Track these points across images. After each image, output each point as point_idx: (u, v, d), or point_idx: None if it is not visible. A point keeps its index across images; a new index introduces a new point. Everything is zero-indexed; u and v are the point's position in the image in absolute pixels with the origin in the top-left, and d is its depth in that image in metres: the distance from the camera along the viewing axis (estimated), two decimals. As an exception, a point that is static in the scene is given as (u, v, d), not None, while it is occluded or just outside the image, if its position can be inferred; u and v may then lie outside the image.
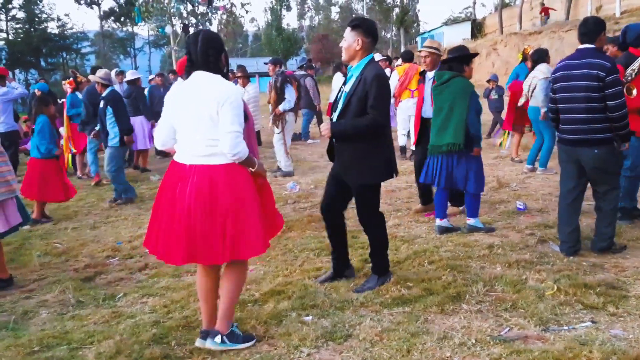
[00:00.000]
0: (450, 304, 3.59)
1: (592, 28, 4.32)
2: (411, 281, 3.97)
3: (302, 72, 12.48)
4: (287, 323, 3.43)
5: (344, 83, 3.87)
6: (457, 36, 35.99)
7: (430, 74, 5.74)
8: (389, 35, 56.65)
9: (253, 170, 3.11)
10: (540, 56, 7.80)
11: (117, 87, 10.90)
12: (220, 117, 2.93)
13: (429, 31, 44.81)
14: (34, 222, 6.46)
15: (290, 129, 8.95)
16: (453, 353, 2.98)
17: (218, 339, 3.15)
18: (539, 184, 7.26)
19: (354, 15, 52.81)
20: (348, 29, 3.73)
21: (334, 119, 3.81)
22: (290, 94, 8.67)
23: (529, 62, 8.56)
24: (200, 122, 2.97)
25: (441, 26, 43.24)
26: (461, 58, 5.18)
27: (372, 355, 3.00)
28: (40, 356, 3.19)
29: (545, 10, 27.87)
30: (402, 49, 41.73)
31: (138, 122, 9.79)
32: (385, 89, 3.71)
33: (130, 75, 10.24)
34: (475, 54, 5.53)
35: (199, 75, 3.05)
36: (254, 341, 3.23)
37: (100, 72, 7.52)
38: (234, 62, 17.18)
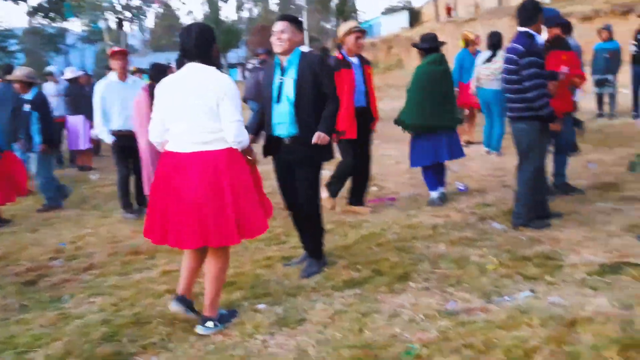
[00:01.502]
0: (398, 283, 3.71)
1: (529, 11, 4.56)
2: (360, 264, 4.07)
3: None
4: (241, 312, 3.45)
5: (282, 73, 3.93)
6: (395, 25, 36.57)
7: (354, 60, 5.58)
8: (328, 26, 56.85)
9: (250, 158, 3.32)
10: (499, 40, 8.00)
11: (52, 85, 10.54)
12: (221, 108, 3.10)
13: (367, 21, 45.28)
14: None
15: None
16: (403, 329, 3.09)
17: (210, 324, 3.25)
18: (479, 165, 7.52)
19: (292, 7, 52.78)
20: (286, 23, 3.87)
21: (280, 106, 3.89)
22: None
23: (471, 47, 8.83)
24: (200, 113, 3.10)
25: (379, 16, 43.76)
26: (437, 46, 5.60)
27: (325, 337, 3.07)
28: (-16, 363, 3.10)
29: (448, 10, 29.67)
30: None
31: (78, 120, 9.51)
32: (332, 75, 4.01)
33: (70, 73, 9.90)
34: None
35: (194, 67, 3.18)
36: (237, 315, 3.40)
37: (24, 70, 6.98)
38: (172, 57, 16.83)
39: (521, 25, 4.59)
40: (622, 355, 2.60)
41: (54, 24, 55.42)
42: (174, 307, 3.37)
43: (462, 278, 3.72)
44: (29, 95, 6.79)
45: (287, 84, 3.88)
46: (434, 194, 5.70)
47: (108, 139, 6.15)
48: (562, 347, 2.72)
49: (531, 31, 4.55)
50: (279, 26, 3.86)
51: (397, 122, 5.81)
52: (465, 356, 2.72)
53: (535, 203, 4.74)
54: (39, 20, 56.58)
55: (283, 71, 3.92)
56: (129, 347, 3.15)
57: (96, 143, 10.91)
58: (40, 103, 6.87)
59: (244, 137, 3.18)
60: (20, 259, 5.10)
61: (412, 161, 5.81)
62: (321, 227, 4.14)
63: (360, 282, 3.78)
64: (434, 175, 5.75)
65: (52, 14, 52.39)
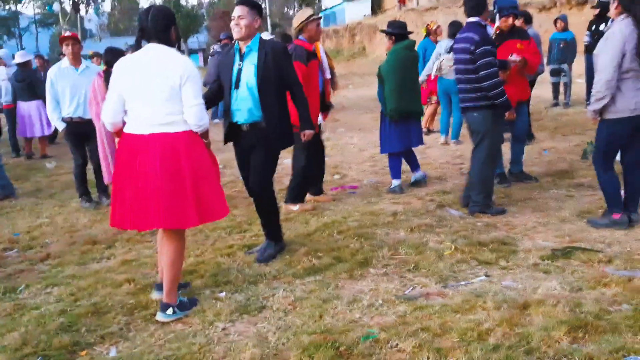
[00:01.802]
0: (358, 270, 3.77)
1: (474, 2, 4.64)
2: (321, 251, 4.11)
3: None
4: (201, 300, 3.45)
5: (241, 59, 3.91)
6: (358, 12, 36.58)
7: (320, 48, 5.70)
8: (291, 12, 56.48)
9: (206, 141, 3.35)
10: (458, 29, 8.08)
11: (2, 69, 10.16)
12: (183, 92, 3.10)
13: (330, 8, 45.16)
14: None
15: None
16: (362, 314, 3.15)
17: (170, 311, 3.24)
18: (438, 153, 7.65)
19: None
20: (245, 8, 3.83)
21: (239, 92, 3.89)
22: None
23: (432, 37, 8.91)
24: (161, 94, 3.09)
25: (342, 3, 43.67)
26: (407, 33, 5.74)
27: (285, 324, 3.10)
28: (-64, 357, 3.01)
29: (402, 0, 30.44)
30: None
31: (34, 106, 9.22)
32: (293, 64, 4.06)
33: (20, 57, 9.51)
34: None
35: (153, 48, 3.17)
36: (197, 303, 3.39)
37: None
38: (130, 41, 16.49)
39: (470, 15, 4.70)
40: (570, 335, 2.72)
41: (6, 7, 53.38)
42: (156, 296, 3.41)
43: (420, 263, 3.80)
44: None
45: (246, 70, 3.86)
46: (396, 182, 5.79)
47: (60, 126, 5.99)
48: (514, 329, 2.82)
49: (482, 21, 4.66)
50: (237, 11, 3.83)
51: (384, 107, 5.75)
52: (422, 339, 2.79)
53: (491, 189, 4.87)
54: (-10, 2, 54.45)
55: (242, 57, 3.90)
56: (87, 337, 3.12)
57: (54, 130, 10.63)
58: None
59: (205, 121, 3.20)
60: (-28, 249, 4.96)
61: (385, 147, 5.81)
62: (276, 209, 4.14)
63: (321, 269, 3.82)
64: (400, 162, 5.83)
65: (4, -4, 50.50)
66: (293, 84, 3.99)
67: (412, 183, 5.93)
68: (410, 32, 5.85)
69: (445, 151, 7.76)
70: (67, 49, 5.93)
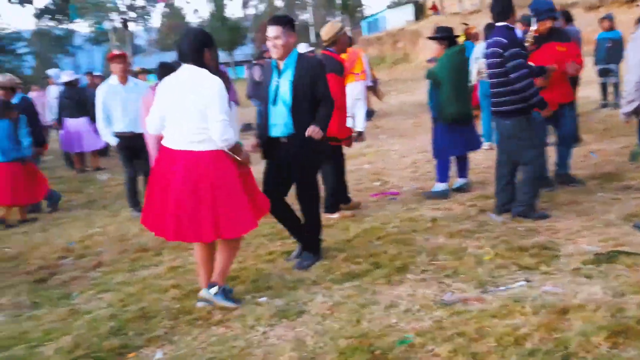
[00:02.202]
0: (396, 275, 3.80)
1: (505, 5, 4.64)
2: (360, 257, 4.16)
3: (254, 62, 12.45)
4: (242, 305, 3.56)
5: (278, 75, 4.02)
6: (400, 18, 36.46)
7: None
8: (332, 21, 56.72)
9: (239, 159, 3.47)
10: None
11: (55, 89, 10.66)
12: (209, 108, 3.27)
13: (372, 15, 45.20)
14: (22, 222, 6.58)
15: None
16: (399, 319, 3.18)
17: (214, 289, 3.52)
18: (482, 157, 7.57)
19: (297, 2, 52.63)
20: (279, 28, 3.90)
21: (276, 108, 3.99)
22: None
23: (473, 40, 8.86)
24: (190, 113, 3.30)
25: (384, 10, 43.65)
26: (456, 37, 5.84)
27: (323, 328, 3.16)
28: (-2, 357, 3.23)
29: (434, 8, 29.80)
30: (348, 34, 42.00)
31: (81, 123, 9.63)
32: (326, 78, 4.08)
33: (66, 76, 9.99)
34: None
35: (187, 69, 3.40)
36: (240, 304, 3.55)
37: (6, 77, 6.92)
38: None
39: (497, 20, 4.69)
40: (610, 340, 2.67)
41: (61, 26, 55.75)
42: (200, 304, 3.57)
43: (459, 269, 3.80)
44: (14, 100, 6.84)
45: (282, 87, 3.97)
46: (443, 186, 5.77)
47: (112, 141, 6.26)
48: (552, 334, 2.79)
49: (510, 25, 4.63)
50: (272, 32, 3.91)
51: (439, 112, 5.75)
52: (458, 344, 2.81)
53: (536, 194, 4.81)
54: (47, 22, 56.95)
55: (280, 73, 4.01)
56: (135, 340, 3.27)
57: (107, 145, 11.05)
58: (26, 107, 6.94)
59: (229, 136, 3.32)
60: (31, 258, 5.25)
61: (441, 152, 5.81)
62: (319, 224, 4.23)
63: (360, 274, 3.87)
64: (449, 165, 5.83)
65: (58, 16, 52.72)
66: (323, 97, 4.02)
67: (454, 188, 5.90)
68: (458, 36, 5.90)
69: (488, 155, 7.65)
70: (115, 67, 6.20)
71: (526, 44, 5.27)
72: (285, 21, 3.97)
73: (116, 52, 6.49)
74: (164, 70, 5.92)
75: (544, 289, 3.36)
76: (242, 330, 3.24)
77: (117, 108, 6.14)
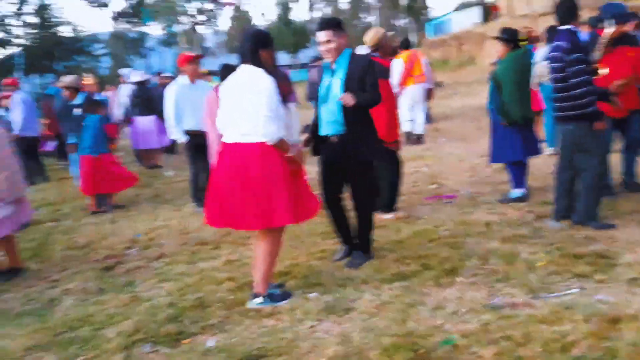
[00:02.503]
0: (445, 278, 3.81)
1: (569, 8, 4.53)
2: (410, 258, 4.20)
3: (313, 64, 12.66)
4: (293, 300, 3.67)
5: (331, 74, 4.11)
6: (467, 21, 35.77)
7: None
8: (398, 24, 56.45)
9: (289, 155, 3.57)
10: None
11: (127, 88, 11.20)
12: (257, 104, 3.44)
13: (438, 17, 44.60)
14: (93, 213, 6.99)
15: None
16: (445, 320, 3.20)
17: (258, 300, 3.64)
18: (543, 163, 7.38)
19: (362, 5, 52.61)
20: (329, 32, 3.99)
21: (328, 106, 4.08)
22: None
23: (537, 44, 8.65)
24: (245, 109, 3.49)
25: (450, 12, 42.97)
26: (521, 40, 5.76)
27: (369, 325, 3.23)
28: (65, 337, 3.48)
29: (495, 8, 29.00)
30: (414, 37, 41.61)
31: (149, 121, 10.06)
32: (377, 79, 4.13)
33: (139, 76, 10.49)
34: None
35: (244, 68, 3.60)
36: (290, 296, 3.70)
37: (69, 77, 7.41)
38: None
39: (562, 23, 4.57)
40: (662, 352, 2.61)
41: (135, 29, 58.18)
42: (250, 305, 3.68)
43: (510, 274, 3.76)
44: (77, 100, 7.25)
45: (334, 85, 4.06)
46: (520, 191, 5.67)
47: (182, 139, 6.53)
48: (601, 343, 2.75)
49: (573, 28, 4.51)
50: (324, 36, 4.00)
51: (501, 114, 5.67)
52: (503, 347, 2.81)
53: (597, 201, 4.68)
54: (122, 25, 59.57)
55: (332, 73, 4.10)
56: (190, 327, 3.45)
57: (173, 141, 11.49)
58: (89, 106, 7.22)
59: (271, 131, 3.43)
60: (99, 247, 5.58)
61: (500, 156, 5.77)
62: (372, 223, 4.30)
63: (409, 275, 3.91)
64: (523, 170, 5.76)
65: (133, 19, 55.05)
66: (371, 87, 4.05)
67: (511, 198, 5.75)
68: (525, 40, 5.80)
69: (550, 161, 7.46)
70: (189, 68, 6.48)
71: (598, 48, 5.15)
72: (334, 24, 4.05)
73: (191, 54, 6.76)
74: (226, 71, 6.16)
75: (597, 298, 3.30)
76: (291, 323, 3.35)
77: (187, 107, 6.41)
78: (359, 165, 4.13)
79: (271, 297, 3.65)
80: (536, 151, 5.78)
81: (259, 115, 3.43)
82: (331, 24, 4.05)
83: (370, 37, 5.40)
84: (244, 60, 3.59)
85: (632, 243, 4.16)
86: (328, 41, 4.00)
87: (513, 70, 5.54)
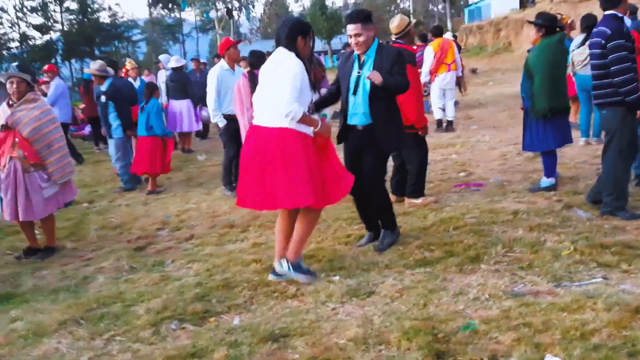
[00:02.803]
0: (469, 265, 3.82)
1: None
2: (434, 245, 4.22)
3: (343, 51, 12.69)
4: (317, 282, 3.74)
5: (360, 67, 4.12)
6: (505, 6, 35.02)
7: None
8: (435, 9, 55.61)
9: (316, 129, 3.64)
10: (595, 23, 7.64)
11: (164, 73, 11.43)
12: (281, 88, 3.52)
13: (476, 3, 43.73)
14: (150, 193, 7.25)
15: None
16: (466, 306, 3.22)
17: (285, 264, 3.78)
18: (576, 152, 7.27)
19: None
20: (358, 25, 4.00)
21: (356, 98, 4.12)
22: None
23: (567, 31, 8.44)
24: (273, 91, 3.59)
25: (488, -3, 42.06)
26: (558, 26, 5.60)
27: (391, 309, 3.27)
28: (97, 312, 3.63)
29: None
30: (449, 23, 40.95)
31: (184, 105, 10.22)
32: (405, 68, 4.16)
33: (175, 62, 10.67)
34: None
35: (278, 52, 3.70)
36: (314, 278, 3.78)
37: (95, 65, 7.50)
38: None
39: (606, 8, 4.47)
40: (684, 342, 2.58)
41: (172, 15, 58.87)
42: (271, 277, 3.85)
43: (534, 262, 3.75)
44: (103, 87, 7.37)
45: (364, 77, 4.07)
46: (551, 180, 5.59)
47: (222, 123, 6.62)
48: (621, 332, 2.73)
49: (619, 14, 4.40)
50: (352, 30, 4.02)
51: (530, 106, 5.56)
52: (522, 333, 2.81)
53: (624, 191, 4.60)
54: (159, 11, 60.31)
55: (361, 65, 4.12)
56: (217, 306, 3.55)
57: (205, 126, 11.66)
58: (113, 93, 7.36)
59: (291, 110, 3.47)
60: (132, 228, 5.77)
61: (534, 145, 5.66)
62: (388, 201, 4.37)
63: (432, 261, 3.93)
64: (555, 159, 5.68)
65: (170, 5, 55.69)
66: (400, 75, 4.07)
67: (542, 188, 5.67)
68: (562, 26, 5.66)
69: (584, 150, 7.35)
70: (232, 53, 6.57)
71: None
72: (363, 17, 4.06)
73: (231, 39, 6.83)
74: (255, 57, 6.24)
75: (621, 287, 3.27)
76: (314, 305, 3.43)
77: (227, 92, 6.51)
78: (376, 154, 4.17)
79: (296, 267, 3.78)
80: (568, 140, 5.67)
81: (282, 95, 3.50)
82: (360, 17, 4.05)
83: (395, 24, 5.39)
84: (279, 44, 3.68)
85: (662, 234, 4.09)
86: (357, 34, 4.01)
87: (545, 58, 5.40)
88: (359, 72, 4.12)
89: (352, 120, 4.20)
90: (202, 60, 14.56)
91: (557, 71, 5.45)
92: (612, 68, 4.35)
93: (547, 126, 5.48)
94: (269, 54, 4.09)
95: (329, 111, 7.57)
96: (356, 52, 4.14)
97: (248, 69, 6.34)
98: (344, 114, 4.24)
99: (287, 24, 3.70)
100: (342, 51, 12.55)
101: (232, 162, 6.72)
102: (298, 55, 3.60)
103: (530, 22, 5.73)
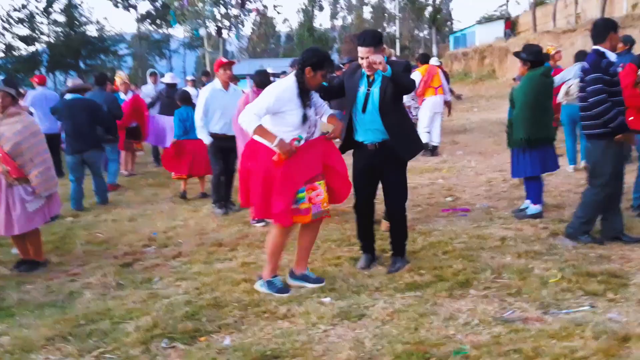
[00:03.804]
0: (458, 289, 3.86)
1: (599, 30, 4.60)
2: (424, 269, 4.25)
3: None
4: (307, 304, 3.75)
5: (369, 84, 4.17)
6: (490, 35, 35.75)
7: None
8: (421, 35, 56.48)
9: (272, 144, 3.79)
10: (583, 57, 7.85)
11: (150, 87, 11.47)
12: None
13: (461, 30, 44.59)
14: (203, 196, 7.69)
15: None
16: (457, 331, 3.25)
17: (259, 282, 4.08)
18: (560, 181, 7.41)
19: (385, 15, 52.73)
20: (370, 49, 4.02)
21: (366, 116, 4.17)
22: None
23: (552, 62, 8.66)
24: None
25: (473, 25, 42.94)
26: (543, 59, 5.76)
27: (382, 332, 3.29)
28: (85, 329, 3.58)
29: (507, 25, 30.78)
30: (434, 49, 41.60)
31: (168, 120, 10.21)
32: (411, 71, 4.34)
33: (170, 78, 10.76)
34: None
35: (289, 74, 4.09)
36: (288, 291, 3.99)
37: (70, 81, 7.73)
38: (266, 63, 17.54)
39: (594, 43, 4.65)
40: (671, 372, 2.64)
41: (159, 31, 58.94)
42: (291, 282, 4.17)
43: (523, 289, 3.80)
44: None
45: (374, 95, 4.12)
46: (536, 208, 5.69)
47: (207, 140, 6.62)
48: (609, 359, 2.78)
49: (601, 49, 4.57)
50: (364, 52, 4.04)
51: (514, 138, 5.69)
52: (513, 359, 2.85)
53: (594, 218, 4.79)
54: (147, 27, 60.33)
55: (371, 83, 4.16)
56: (207, 325, 3.53)
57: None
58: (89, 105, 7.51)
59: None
60: (119, 243, 5.72)
61: (519, 171, 5.78)
62: (407, 227, 4.44)
63: (422, 285, 3.96)
64: (541, 186, 5.78)
65: (159, 21, 55.79)
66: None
67: (528, 215, 5.77)
68: (547, 58, 5.81)
69: (568, 178, 7.49)
70: (223, 73, 6.58)
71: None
72: (376, 42, 4.06)
73: (224, 59, 6.86)
74: (260, 77, 6.25)
75: (608, 316, 3.33)
76: (305, 326, 3.43)
77: (216, 111, 6.51)
78: (397, 169, 4.25)
79: (270, 285, 4.02)
80: (550, 168, 5.76)
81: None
82: (372, 41, 4.05)
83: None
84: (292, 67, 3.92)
85: (646, 264, 4.18)
86: (369, 57, 4.03)
87: (527, 89, 5.54)
88: (368, 90, 4.15)
89: (360, 137, 4.24)
90: (192, 78, 14.60)
91: (537, 103, 5.54)
92: (589, 100, 4.54)
93: (529, 153, 5.58)
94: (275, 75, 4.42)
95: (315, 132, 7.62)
96: (368, 74, 4.17)
97: (252, 88, 6.34)
98: (347, 129, 4.27)
99: (305, 52, 3.93)
100: (332, 75, 12.61)
101: (219, 179, 6.73)
102: (301, 82, 3.79)
103: (516, 55, 5.87)
